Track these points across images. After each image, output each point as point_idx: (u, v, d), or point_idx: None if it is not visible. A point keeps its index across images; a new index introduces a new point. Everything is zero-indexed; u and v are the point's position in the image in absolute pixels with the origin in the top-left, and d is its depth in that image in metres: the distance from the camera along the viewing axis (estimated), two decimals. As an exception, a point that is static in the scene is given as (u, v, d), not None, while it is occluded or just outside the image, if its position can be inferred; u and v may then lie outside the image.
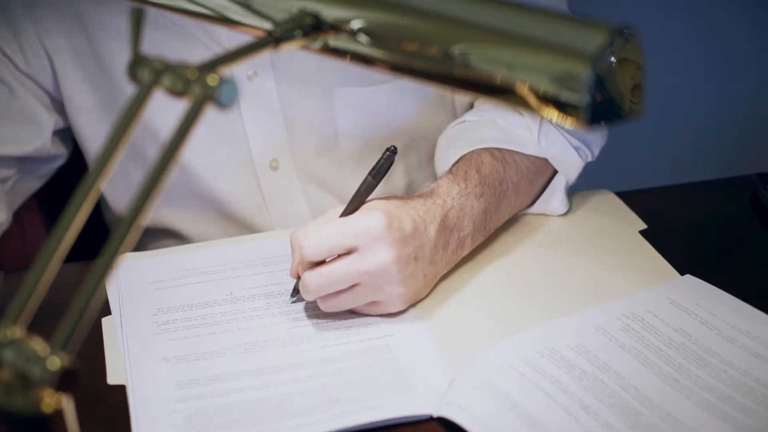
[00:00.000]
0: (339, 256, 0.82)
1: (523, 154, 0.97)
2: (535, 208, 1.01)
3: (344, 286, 0.82)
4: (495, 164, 0.94)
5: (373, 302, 0.84)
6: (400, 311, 0.85)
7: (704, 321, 0.81)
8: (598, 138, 1.01)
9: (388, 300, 0.83)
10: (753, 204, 1.02)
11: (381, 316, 0.84)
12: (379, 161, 0.86)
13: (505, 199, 0.94)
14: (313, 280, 0.81)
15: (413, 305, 0.86)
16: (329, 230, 0.82)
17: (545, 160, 0.98)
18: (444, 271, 0.89)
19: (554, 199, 1.00)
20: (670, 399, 0.72)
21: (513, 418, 0.70)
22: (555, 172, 1.00)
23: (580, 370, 0.75)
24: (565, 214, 1.00)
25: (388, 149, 0.86)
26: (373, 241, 0.81)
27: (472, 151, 0.95)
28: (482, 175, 0.92)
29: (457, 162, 0.95)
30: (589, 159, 1.01)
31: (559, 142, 0.97)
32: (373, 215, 0.82)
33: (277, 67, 1.02)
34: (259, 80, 1.02)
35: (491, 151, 0.95)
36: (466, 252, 0.91)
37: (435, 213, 0.86)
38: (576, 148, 0.98)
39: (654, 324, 0.81)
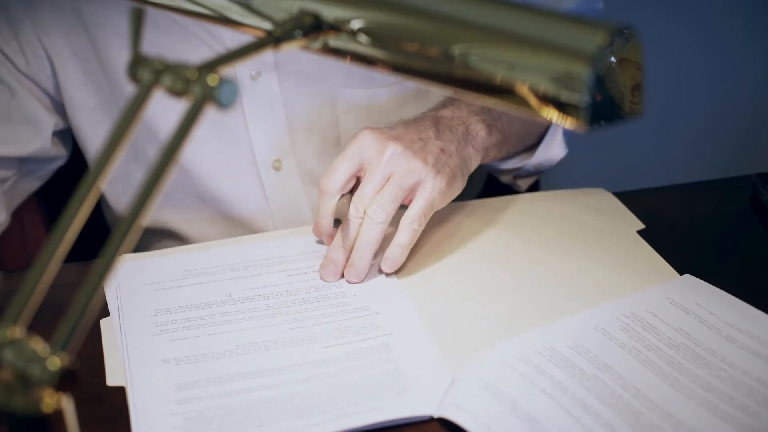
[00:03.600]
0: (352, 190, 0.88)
1: None
2: (539, 154, 1.04)
3: (395, 190, 0.86)
4: None
5: (414, 187, 0.88)
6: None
7: (704, 320, 0.81)
8: None
9: (421, 173, 0.87)
10: (753, 204, 1.02)
11: (380, 315, 0.84)
12: None
13: None
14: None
15: (413, 308, 0.86)
16: (333, 163, 0.87)
17: None
18: (463, 151, 0.92)
19: (555, 143, 1.04)
20: (671, 399, 0.72)
21: (514, 418, 0.70)
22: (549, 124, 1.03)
23: (581, 370, 0.75)
24: (564, 213, 1.00)
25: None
26: (372, 142, 0.87)
27: None
28: None
29: None
30: None
31: None
32: (358, 134, 0.88)
33: (281, 68, 1.02)
34: (263, 80, 1.02)
35: None
36: (482, 134, 0.95)
37: (426, 118, 0.93)
38: None
39: (654, 324, 0.81)
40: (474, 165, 0.95)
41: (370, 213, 0.86)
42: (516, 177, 1.11)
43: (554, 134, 1.05)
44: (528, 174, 1.10)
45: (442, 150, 0.90)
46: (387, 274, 0.90)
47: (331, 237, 0.90)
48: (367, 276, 0.90)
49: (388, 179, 0.87)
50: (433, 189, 0.88)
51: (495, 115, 0.97)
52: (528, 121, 1.02)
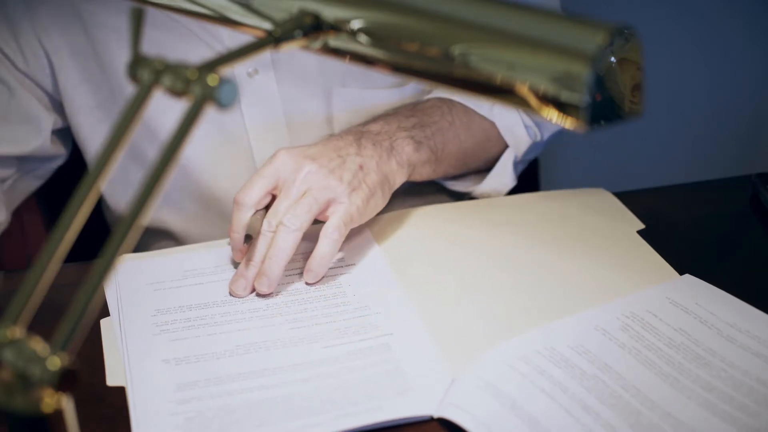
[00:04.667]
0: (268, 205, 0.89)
1: (475, 112, 1.03)
2: (488, 182, 1.06)
3: (310, 202, 0.86)
4: (438, 102, 1.01)
5: (329, 203, 0.88)
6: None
7: (704, 320, 0.81)
8: (549, 123, 1.04)
9: (336, 190, 0.87)
10: (753, 204, 1.02)
11: (380, 315, 0.84)
12: None
13: (443, 120, 1.00)
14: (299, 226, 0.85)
15: (413, 308, 0.86)
16: (248, 179, 0.88)
17: (496, 132, 1.04)
18: (384, 166, 0.92)
19: (504, 174, 1.05)
20: (671, 399, 0.72)
21: (514, 418, 0.70)
22: (504, 148, 1.06)
23: (581, 370, 0.75)
24: (564, 213, 1.00)
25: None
26: (288, 161, 0.88)
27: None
28: (416, 107, 0.99)
29: None
30: (538, 139, 1.06)
31: (511, 116, 1.03)
32: (274, 154, 0.89)
33: (278, 66, 1.02)
34: (261, 79, 1.02)
35: (440, 98, 1.01)
36: (408, 150, 0.95)
37: (350, 134, 0.93)
38: (526, 127, 1.03)
39: (654, 324, 0.81)
40: (398, 180, 0.95)
41: (284, 221, 0.85)
42: (469, 199, 1.12)
43: (505, 165, 1.06)
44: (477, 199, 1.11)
45: (360, 167, 0.90)
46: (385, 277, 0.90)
47: (242, 252, 0.89)
48: (367, 276, 0.90)
49: (304, 195, 0.87)
50: (349, 206, 0.88)
51: (428, 132, 0.98)
52: (472, 143, 1.04)
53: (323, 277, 0.89)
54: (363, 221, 0.91)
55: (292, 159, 0.88)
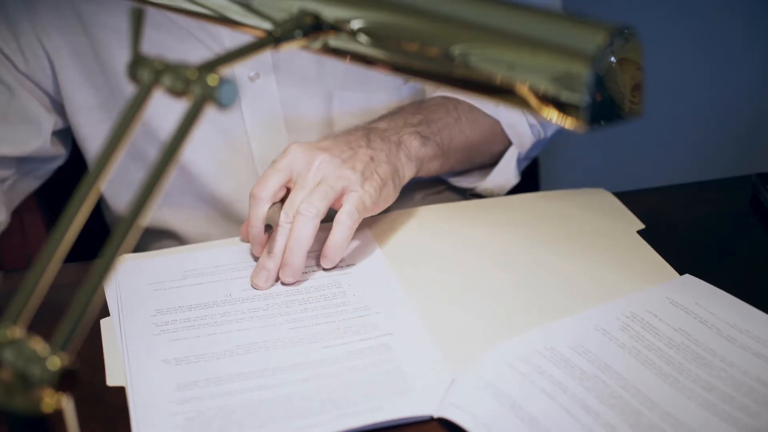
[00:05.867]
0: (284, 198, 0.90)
1: (479, 110, 1.04)
2: (492, 179, 1.07)
3: (326, 190, 0.87)
4: (442, 100, 1.01)
5: (343, 192, 0.88)
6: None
7: (704, 320, 0.81)
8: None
9: (350, 179, 0.88)
10: (753, 204, 1.02)
11: (379, 315, 0.84)
12: None
13: (449, 116, 1.01)
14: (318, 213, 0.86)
15: (413, 308, 0.86)
16: (263, 174, 0.89)
17: (500, 128, 1.04)
18: (394, 159, 0.93)
19: (508, 170, 1.06)
20: (671, 399, 0.72)
21: (514, 418, 0.70)
22: (508, 145, 1.07)
23: (581, 370, 0.75)
24: (564, 213, 1.00)
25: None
26: (301, 154, 0.89)
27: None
28: (421, 105, 1.00)
29: None
30: (542, 137, 1.07)
31: (515, 114, 1.04)
32: (287, 148, 0.90)
33: (279, 69, 1.02)
34: (261, 82, 1.02)
35: (444, 96, 1.02)
36: (415, 145, 0.96)
37: (358, 130, 0.94)
38: (530, 125, 1.05)
39: (654, 324, 0.81)
40: (408, 174, 0.96)
41: (301, 210, 0.86)
42: (472, 196, 1.13)
43: (508, 162, 1.07)
44: (480, 196, 1.12)
45: (371, 158, 0.91)
46: (387, 278, 0.90)
47: (261, 245, 0.90)
48: (367, 276, 0.90)
49: (318, 184, 0.88)
50: (363, 194, 0.89)
51: (434, 128, 0.99)
52: (477, 139, 1.05)
53: (336, 264, 0.91)
54: (375, 211, 0.92)
55: (304, 151, 0.89)
